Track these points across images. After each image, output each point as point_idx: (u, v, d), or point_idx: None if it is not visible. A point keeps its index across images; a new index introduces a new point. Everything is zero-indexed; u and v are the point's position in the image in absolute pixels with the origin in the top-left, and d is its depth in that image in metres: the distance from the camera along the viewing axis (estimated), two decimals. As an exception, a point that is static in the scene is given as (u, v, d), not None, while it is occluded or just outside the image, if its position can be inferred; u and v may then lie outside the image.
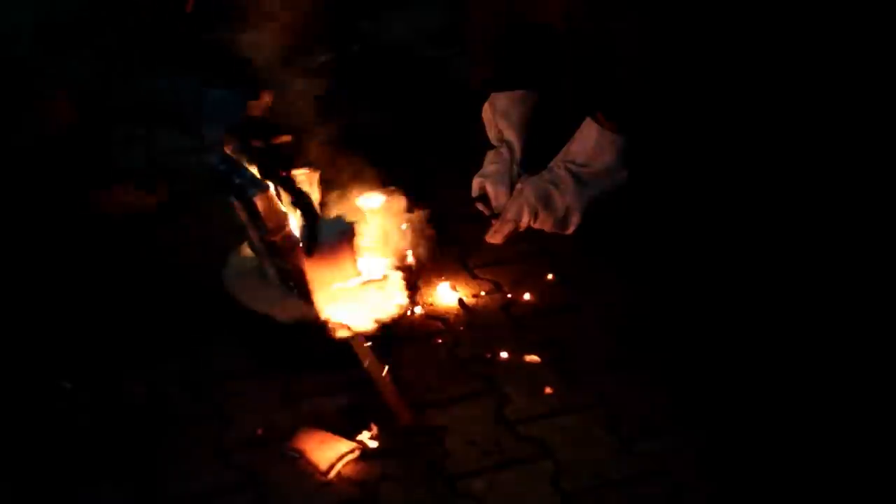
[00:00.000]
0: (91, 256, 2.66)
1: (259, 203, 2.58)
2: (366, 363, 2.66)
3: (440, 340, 2.96)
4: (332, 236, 2.60)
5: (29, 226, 2.40)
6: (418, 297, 3.07)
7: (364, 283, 2.62)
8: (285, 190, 2.64)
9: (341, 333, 2.59)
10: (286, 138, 2.64)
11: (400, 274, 2.68)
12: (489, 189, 2.99)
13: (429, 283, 3.13)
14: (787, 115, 3.10)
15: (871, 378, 2.74)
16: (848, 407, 2.67)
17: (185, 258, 3.20)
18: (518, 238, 3.06)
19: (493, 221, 2.97)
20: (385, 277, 2.65)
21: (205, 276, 2.99)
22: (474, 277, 3.21)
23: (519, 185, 2.94)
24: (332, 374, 2.78)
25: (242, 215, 2.72)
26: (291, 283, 2.76)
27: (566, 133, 2.93)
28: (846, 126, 3.10)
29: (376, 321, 2.62)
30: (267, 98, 2.67)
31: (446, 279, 3.17)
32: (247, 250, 2.96)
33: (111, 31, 2.33)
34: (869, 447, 2.56)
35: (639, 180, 2.91)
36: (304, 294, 2.70)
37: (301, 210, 2.63)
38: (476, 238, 3.11)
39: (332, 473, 2.54)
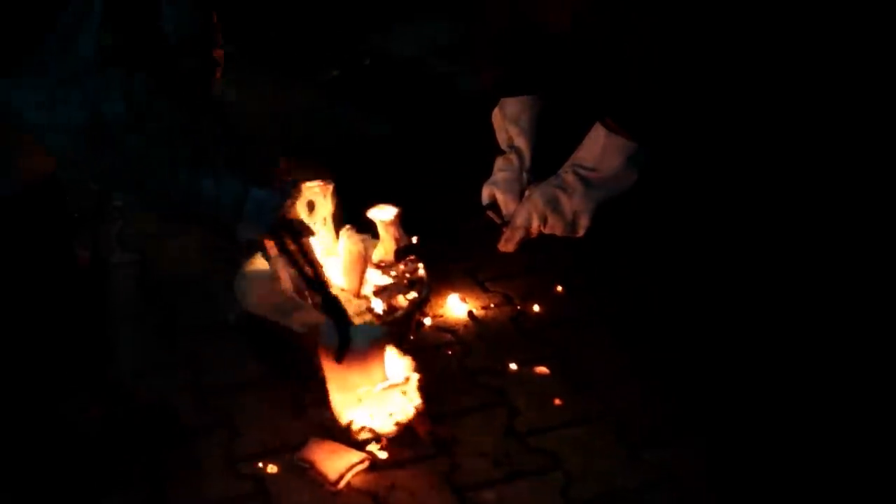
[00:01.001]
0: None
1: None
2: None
3: (450, 352, 2.97)
4: (364, 343, 2.60)
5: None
6: (427, 309, 3.08)
7: (388, 388, 2.62)
8: (319, 294, 2.65)
9: (364, 436, 2.61)
10: (312, 236, 2.66)
11: (417, 376, 2.69)
12: (499, 197, 2.99)
13: (439, 294, 3.14)
14: (800, 122, 3.09)
15: (874, 384, 2.73)
16: (853, 414, 2.66)
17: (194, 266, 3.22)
18: (527, 250, 3.06)
19: (504, 229, 2.98)
20: (407, 380, 2.66)
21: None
22: (484, 290, 3.22)
23: (527, 192, 2.94)
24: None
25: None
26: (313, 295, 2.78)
27: (576, 138, 2.93)
28: (856, 126, 3.09)
29: (396, 423, 2.62)
30: (296, 196, 2.68)
31: (456, 291, 3.17)
32: (256, 263, 2.97)
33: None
34: (873, 453, 2.56)
35: (648, 185, 2.90)
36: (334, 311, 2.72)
37: (333, 316, 2.63)
38: (487, 249, 3.11)
39: (342, 484, 2.53)
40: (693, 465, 2.56)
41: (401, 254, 3.00)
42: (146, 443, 2.62)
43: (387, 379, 2.64)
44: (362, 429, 2.62)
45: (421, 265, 3.04)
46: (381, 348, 2.64)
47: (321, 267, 2.63)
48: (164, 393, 2.77)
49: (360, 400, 2.61)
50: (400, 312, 2.91)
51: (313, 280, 2.61)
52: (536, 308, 3.13)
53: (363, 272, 2.97)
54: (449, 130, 3.94)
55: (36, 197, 2.26)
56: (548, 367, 2.89)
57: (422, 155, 3.83)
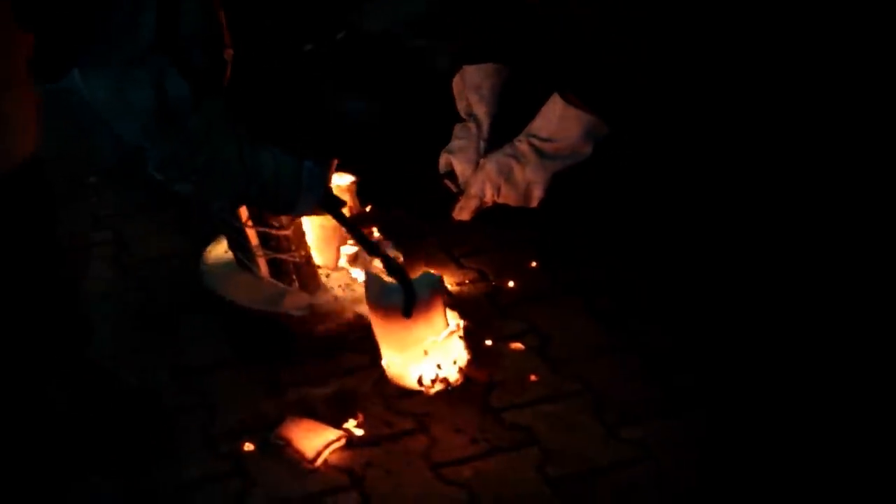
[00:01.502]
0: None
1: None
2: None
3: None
4: (426, 293, 2.62)
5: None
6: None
7: (450, 334, 2.66)
8: (378, 257, 2.70)
9: (437, 387, 2.66)
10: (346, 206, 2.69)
11: (462, 322, 2.75)
12: (455, 165, 2.99)
13: (413, 270, 3.14)
14: (754, 99, 3.10)
15: (860, 370, 2.75)
16: (834, 392, 2.68)
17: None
18: (501, 225, 3.07)
19: (459, 198, 2.98)
20: (459, 326, 2.70)
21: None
22: (459, 266, 3.22)
23: (482, 161, 2.93)
24: (318, 363, 2.80)
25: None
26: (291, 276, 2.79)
27: (535, 108, 2.93)
28: (823, 107, 3.10)
29: (459, 369, 2.68)
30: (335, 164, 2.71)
31: (430, 267, 3.17)
32: (218, 248, 2.98)
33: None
34: (855, 438, 2.57)
35: (605, 158, 2.91)
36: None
37: (395, 275, 2.66)
38: (459, 224, 3.12)
39: (319, 461, 2.54)
40: (670, 443, 2.57)
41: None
42: (124, 423, 2.63)
43: (448, 325, 2.66)
44: (435, 380, 2.64)
45: (374, 228, 3.04)
46: (441, 295, 2.67)
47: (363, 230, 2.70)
48: (142, 372, 2.77)
49: (426, 353, 2.63)
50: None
51: (371, 243, 2.67)
52: (511, 284, 3.14)
53: (339, 246, 2.98)
54: (422, 105, 3.93)
55: (16, 178, 2.25)
56: (523, 343, 2.90)
57: (396, 130, 3.82)
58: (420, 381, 2.66)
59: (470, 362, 2.71)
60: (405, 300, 2.61)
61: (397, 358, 2.68)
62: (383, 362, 2.71)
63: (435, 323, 2.64)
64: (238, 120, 2.40)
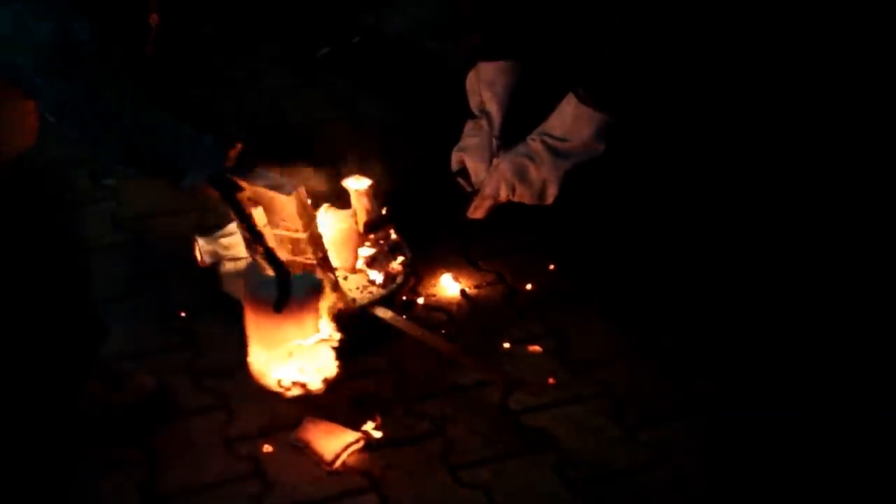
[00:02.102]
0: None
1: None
2: (400, 325, 2.79)
3: (443, 331, 2.97)
4: (301, 293, 2.57)
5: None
6: (420, 289, 3.09)
7: (320, 341, 2.62)
8: (260, 245, 2.62)
9: (294, 392, 2.62)
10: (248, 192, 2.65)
11: (339, 336, 2.68)
12: (468, 163, 2.99)
13: (432, 274, 3.15)
14: (769, 104, 3.09)
15: (870, 371, 2.75)
16: (847, 399, 2.68)
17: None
18: (517, 227, 3.07)
19: (473, 197, 2.98)
20: (332, 337, 2.66)
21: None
22: (477, 268, 3.22)
23: (496, 160, 2.94)
24: (336, 366, 2.80)
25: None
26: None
27: (549, 107, 2.92)
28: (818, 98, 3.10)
29: (324, 380, 2.64)
30: (238, 148, 2.67)
31: (449, 270, 3.18)
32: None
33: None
34: (867, 439, 2.58)
35: (617, 157, 2.90)
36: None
37: (272, 266, 2.59)
38: (478, 227, 3.12)
39: (338, 463, 2.55)
40: (689, 446, 2.58)
41: (371, 227, 2.99)
42: (143, 424, 2.63)
43: (319, 332, 2.62)
44: (293, 384, 2.61)
45: (391, 230, 3.04)
46: (317, 299, 2.61)
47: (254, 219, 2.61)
48: (161, 374, 2.77)
49: (290, 354, 2.58)
50: (400, 277, 2.93)
51: (255, 230, 2.60)
52: (529, 286, 3.14)
53: (356, 247, 2.98)
54: (438, 108, 3.93)
55: (13, 176, 2.25)
56: (541, 346, 2.90)
57: (411, 132, 3.83)
58: (279, 383, 2.63)
59: (343, 374, 2.67)
60: (278, 294, 2.55)
61: (262, 355, 2.62)
62: (249, 357, 2.66)
63: (305, 326, 2.58)
64: (146, 82, 2.37)
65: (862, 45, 3.03)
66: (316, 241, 2.74)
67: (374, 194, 3.00)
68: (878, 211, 3.11)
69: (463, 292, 3.12)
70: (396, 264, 2.95)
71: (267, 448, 2.59)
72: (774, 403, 2.67)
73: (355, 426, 2.62)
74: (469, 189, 2.98)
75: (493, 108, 2.99)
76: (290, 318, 2.55)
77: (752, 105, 3.07)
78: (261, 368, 2.63)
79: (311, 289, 2.59)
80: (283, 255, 2.75)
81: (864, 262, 3.01)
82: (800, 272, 3.03)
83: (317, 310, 2.60)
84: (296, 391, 2.62)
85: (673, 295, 3.06)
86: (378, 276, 2.92)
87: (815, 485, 2.48)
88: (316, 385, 2.63)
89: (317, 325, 2.61)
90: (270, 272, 2.55)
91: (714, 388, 2.73)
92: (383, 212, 3.03)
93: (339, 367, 2.64)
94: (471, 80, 3.08)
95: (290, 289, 2.54)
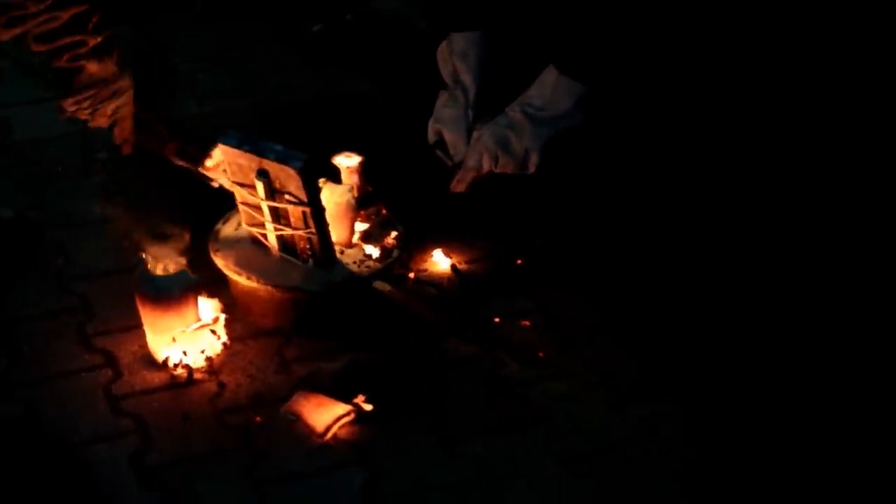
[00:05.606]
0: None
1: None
2: (398, 298, 2.85)
3: (438, 304, 2.98)
4: (176, 292, 2.71)
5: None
6: (411, 264, 3.10)
7: (200, 328, 2.75)
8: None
9: (179, 371, 2.74)
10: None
11: (224, 316, 2.82)
12: (447, 136, 2.99)
13: (422, 249, 3.15)
14: (779, 103, 3.10)
15: (854, 345, 2.77)
16: (833, 371, 2.70)
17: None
18: (506, 203, 3.07)
19: (456, 171, 2.98)
20: (216, 320, 2.78)
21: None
22: (467, 244, 3.21)
23: (476, 133, 2.93)
24: (328, 338, 2.81)
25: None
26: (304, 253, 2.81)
27: (522, 77, 2.93)
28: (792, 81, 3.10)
29: (207, 358, 2.76)
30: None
31: (439, 245, 3.18)
32: (228, 227, 2.99)
33: None
34: (849, 413, 2.60)
35: (597, 129, 2.91)
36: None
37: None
38: (464, 203, 3.12)
39: (329, 436, 2.56)
40: (677, 420, 2.60)
41: (361, 202, 2.99)
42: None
43: (199, 320, 2.75)
44: (178, 364, 2.73)
45: (382, 207, 3.05)
46: (194, 294, 2.75)
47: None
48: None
49: (174, 340, 2.72)
50: (396, 252, 2.94)
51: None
52: (518, 262, 3.14)
53: (353, 222, 2.98)
54: (430, 86, 3.93)
55: None
56: (530, 321, 2.91)
57: (402, 110, 3.83)
58: (166, 362, 2.74)
59: (225, 353, 2.80)
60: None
61: (151, 337, 2.76)
62: (147, 337, 2.79)
63: (185, 316, 2.72)
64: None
65: (872, 45, 3.04)
66: (319, 214, 2.75)
67: (363, 170, 3.00)
68: (878, 211, 3.12)
69: (453, 267, 3.12)
70: (391, 239, 2.95)
71: (258, 420, 2.60)
72: (759, 379, 2.69)
73: (346, 399, 2.62)
74: (449, 163, 2.99)
75: (468, 80, 3.00)
76: (170, 312, 2.71)
77: (761, 104, 3.08)
78: (153, 347, 2.77)
79: (186, 287, 2.72)
80: (287, 229, 2.79)
81: (864, 262, 3.02)
82: (787, 256, 3.04)
83: (194, 303, 2.74)
84: (181, 371, 2.73)
85: (660, 271, 3.06)
86: (374, 251, 2.93)
87: (799, 458, 2.49)
88: (200, 363, 2.75)
89: (196, 314, 2.75)
90: (158, 271, 2.71)
91: (701, 363, 2.74)
92: (370, 188, 3.04)
93: (225, 346, 2.80)
94: (442, 52, 3.08)
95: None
